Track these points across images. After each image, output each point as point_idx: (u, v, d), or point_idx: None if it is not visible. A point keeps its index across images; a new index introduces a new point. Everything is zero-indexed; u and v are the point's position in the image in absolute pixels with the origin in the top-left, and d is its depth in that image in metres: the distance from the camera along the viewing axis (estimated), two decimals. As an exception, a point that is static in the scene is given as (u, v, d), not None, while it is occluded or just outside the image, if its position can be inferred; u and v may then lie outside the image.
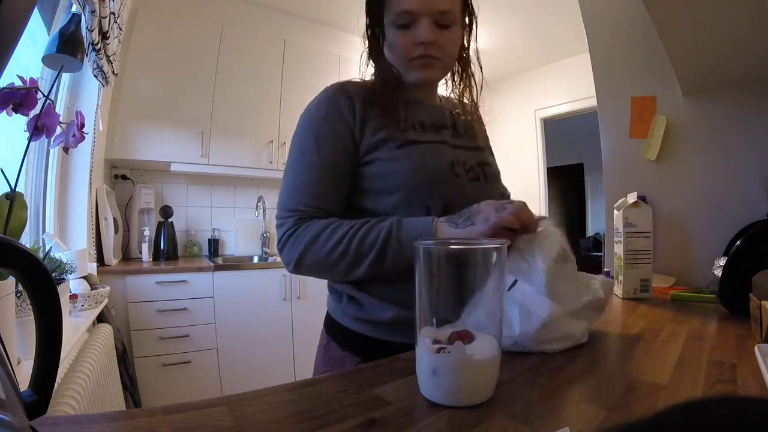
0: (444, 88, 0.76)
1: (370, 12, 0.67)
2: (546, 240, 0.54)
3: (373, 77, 0.70)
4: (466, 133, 0.72)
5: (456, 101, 0.75)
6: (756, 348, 0.48)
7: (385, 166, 0.62)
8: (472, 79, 0.73)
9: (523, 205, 0.55)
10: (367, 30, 0.69)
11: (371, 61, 0.70)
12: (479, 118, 0.79)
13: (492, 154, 0.78)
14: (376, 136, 0.62)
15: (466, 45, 0.71)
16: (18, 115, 0.66)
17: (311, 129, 0.63)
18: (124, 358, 1.63)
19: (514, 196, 0.72)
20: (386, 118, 0.63)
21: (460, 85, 0.74)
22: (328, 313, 0.72)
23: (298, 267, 0.61)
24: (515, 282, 0.53)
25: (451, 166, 0.64)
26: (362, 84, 0.67)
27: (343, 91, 0.65)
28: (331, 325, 0.70)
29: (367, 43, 0.70)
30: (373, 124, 0.63)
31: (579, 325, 0.54)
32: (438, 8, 0.61)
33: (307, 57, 2.68)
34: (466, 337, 0.38)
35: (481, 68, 0.73)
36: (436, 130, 0.67)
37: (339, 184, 0.63)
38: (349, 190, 0.65)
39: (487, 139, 0.79)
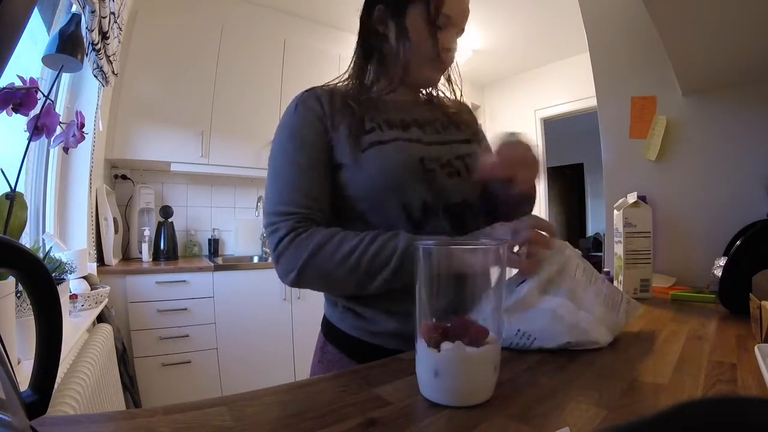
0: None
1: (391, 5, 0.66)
2: (566, 258, 0.54)
3: (349, 73, 0.71)
4: (446, 127, 0.70)
5: (439, 97, 0.76)
6: (756, 348, 0.48)
7: (351, 173, 0.61)
8: (453, 76, 0.75)
9: (535, 222, 0.55)
10: (382, 12, 0.67)
11: (363, 46, 0.71)
12: (467, 110, 0.79)
13: (486, 145, 0.75)
14: (341, 138, 0.62)
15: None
16: (18, 115, 0.66)
17: (292, 132, 0.63)
18: (124, 358, 1.63)
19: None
20: (352, 121, 0.63)
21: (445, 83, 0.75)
22: (325, 315, 0.71)
23: (299, 279, 0.57)
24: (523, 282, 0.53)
25: (421, 162, 0.62)
26: (329, 88, 0.68)
27: (312, 93, 0.66)
28: (328, 327, 0.69)
29: (378, 26, 0.68)
30: (338, 126, 0.63)
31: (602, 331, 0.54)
32: (464, 24, 0.66)
33: (307, 57, 2.68)
34: (471, 325, 0.38)
35: (459, 74, 0.75)
36: (405, 128, 0.65)
37: (323, 183, 0.62)
38: (331, 190, 0.63)
39: (477, 131, 0.76)
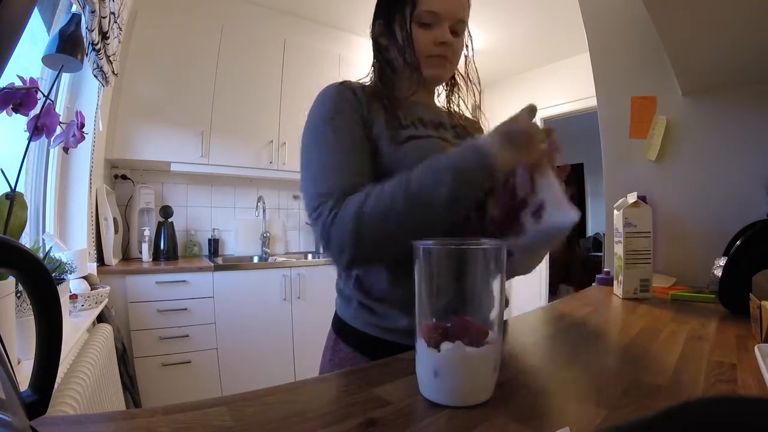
0: (439, 98, 0.79)
1: (389, 8, 0.68)
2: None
3: (372, 79, 0.72)
4: (466, 134, 0.74)
5: (454, 109, 0.79)
6: (756, 348, 0.48)
7: (389, 161, 0.62)
8: (469, 87, 0.77)
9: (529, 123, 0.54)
10: (381, 26, 0.70)
11: (377, 58, 0.73)
12: (478, 124, 0.83)
13: None
14: (377, 130, 0.63)
15: (465, 57, 0.75)
16: (18, 115, 0.66)
17: (324, 121, 0.61)
18: (124, 358, 1.63)
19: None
20: (388, 114, 0.64)
21: (458, 93, 0.78)
22: (336, 313, 0.71)
23: (355, 254, 0.53)
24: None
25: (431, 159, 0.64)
26: (360, 84, 0.69)
27: (346, 86, 0.66)
28: (339, 325, 0.69)
29: (380, 39, 0.71)
30: (376, 118, 0.64)
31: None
32: (457, 16, 0.65)
33: (307, 57, 2.68)
34: (471, 326, 0.38)
35: (479, 82, 0.77)
36: (435, 128, 0.70)
37: (367, 166, 0.60)
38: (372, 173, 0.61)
39: None
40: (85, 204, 1.70)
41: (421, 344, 0.39)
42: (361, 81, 0.71)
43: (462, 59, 0.73)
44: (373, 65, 0.74)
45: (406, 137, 0.63)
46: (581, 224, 5.45)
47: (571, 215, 0.49)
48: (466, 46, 0.72)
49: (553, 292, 3.87)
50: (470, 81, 0.77)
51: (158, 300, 1.91)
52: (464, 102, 0.78)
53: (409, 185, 0.51)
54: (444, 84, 0.76)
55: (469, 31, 0.71)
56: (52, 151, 1.56)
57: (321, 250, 0.57)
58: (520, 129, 0.52)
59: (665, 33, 0.93)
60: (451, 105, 0.78)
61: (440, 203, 0.50)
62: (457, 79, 0.77)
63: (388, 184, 0.53)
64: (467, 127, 0.77)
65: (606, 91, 1.39)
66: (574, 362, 0.50)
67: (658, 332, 0.64)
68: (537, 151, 0.53)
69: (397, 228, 0.51)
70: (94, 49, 1.36)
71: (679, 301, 0.90)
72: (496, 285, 0.39)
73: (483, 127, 0.84)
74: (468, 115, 0.81)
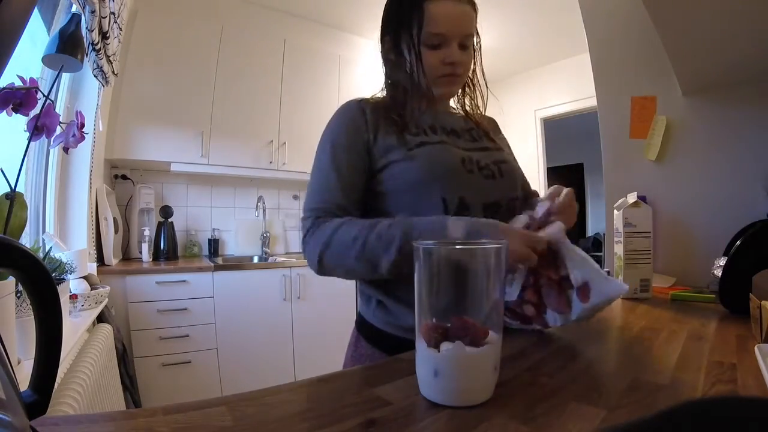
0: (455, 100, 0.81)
1: (396, 26, 0.70)
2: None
3: (385, 91, 0.75)
4: (480, 137, 0.76)
5: (466, 112, 0.81)
6: (756, 348, 0.48)
7: (399, 167, 0.65)
8: (478, 92, 0.80)
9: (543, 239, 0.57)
10: (389, 44, 0.72)
11: (387, 74, 0.76)
12: (494, 124, 0.85)
13: (512, 155, 0.81)
14: (387, 141, 0.67)
15: (475, 62, 0.76)
16: (18, 115, 0.66)
17: (330, 138, 0.68)
18: (124, 358, 1.63)
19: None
20: (398, 125, 0.68)
21: (469, 98, 0.80)
22: (358, 312, 0.74)
23: (321, 267, 0.63)
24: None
25: (462, 162, 0.67)
26: (374, 99, 0.73)
27: (357, 103, 0.70)
28: (361, 323, 0.72)
29: (389, 56, 0.74)
30: (384, 131, 0.67)
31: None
32: (464, 32, 0.67)
33: (307, 57, 2.68)
34: (471, 326, 0.38)
35: (486, 84, 0.79)
36: (446, 134, 0.71)
37: (356, 184, 0.67)
38: (364, 193, 0.68)
39: (506, 144, 0.83)
40: (85, 204, 1.70)
41: (421, 344, 0.39)
42: (377, 95, 0.75)
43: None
44: (385, 82, 0.76)
45: (416, 143, 0.66)
46: (581, 224, 5.46)
47: (622, 286, 0.53)
48: (474, 50, 0.73)
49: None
50: (477, 84, 0.79)
51: (158, 300, 1.91)
52: (477, 101, 0.80)
53: (366, 241, 0.58)
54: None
55: (477, 32, 0.72)
56: (52, 151, 1.56)
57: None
58: (518, 250, 0.55)
59: (665, 33, 0.93)
60: (465, 106, 0.80)
61: (382, 266, 0.58)
62: (468, 82, 0.79)
63: (357, 226, 0.60)
64: (482, 124, 0.79)
65: (606, 91, 1.39)
66: (574, 362, 0.50)
67: (658, 332, 0.64)
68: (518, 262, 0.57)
69: (350, 267, 0.60)
70: (94, 49, 1.36)
71: (679, 301, 0.90)
72: (496, 285, 0.39)
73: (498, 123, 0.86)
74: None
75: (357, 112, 0.69)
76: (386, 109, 0.70)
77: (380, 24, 0.74)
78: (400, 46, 0.69)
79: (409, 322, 0.63)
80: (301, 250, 0.64)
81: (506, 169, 0.73)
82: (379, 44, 0.75)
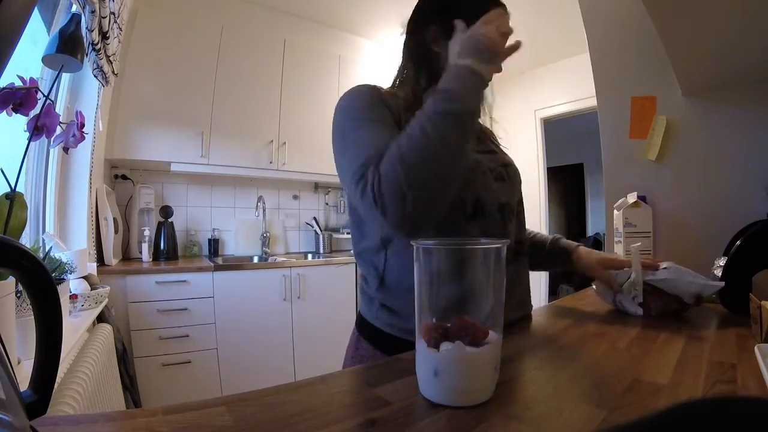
0: None
1: (448, 14, 0.67)
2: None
3: (398, 88, 0.72)
4: (484, 140, 0.77)
5: None
6: (756, 348, 0.48)
7: None
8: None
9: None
10: (436, 33, 0.68)
11: (415, 65, 0.72)
12: (488, 129, 0.85)
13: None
14: None
15: None
16: (18, 115, 0.66)
17: (364, 103, 0.62)
18: (124, 358, 1.63)
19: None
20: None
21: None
22: (359, 313, 0.74)
23: (416, 190, 0.50)
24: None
25: (477, 164, 0.67)
26: (388, 91, 0.69)
27: (371, 88, 0.66)
28: (362, 324, 0.71)
29: (431, 48, 0.69)
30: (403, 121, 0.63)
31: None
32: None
33: (307, 57, 2.68)
34: (471, 326, 0.38)
35: (492, 91, 0.77)
36: None
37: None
38: None
39: (500, 145, 0.84)
40: (85, 204, 1.70)
41: (421, 344, 0.39)
42: (386, 87, 0.71)
43: None
44: (406, 65, 0.73)
45: None
46: (581, 224, 5.46)
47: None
48: None
49: (554, 293, 3.87)
50: None
51: (158, 300, 1.91)
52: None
53: (427, 112, 0.53)
54: None
55: None
56: (52, 151, 1.56)
57: (371, 217, 0.55)
58: (479, 39, 0.58)
59: (665, 33, 0.93)
60: None
61: (461, 112, 0.53)
62: None
63: (408, 125, 0.55)
64: (485, 128, 0.80)
65: (606, 91, 1.39)
66: (574, 362, 0.50)
67: (658, 332, 0.64)
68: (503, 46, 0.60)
69: (438, 150, 0.52)
70: (94, 49, 1.36)
71: (679, 301, 0.90)
72: (496, 285, 0.39)
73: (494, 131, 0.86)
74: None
75: (375, 95, 0.64)
76: (408, 107, 0.64)
77: (416, 11, 0.71)
78: (448, 39, 0.65)
79: (411, 324, 0.62)
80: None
81: (512, 171, 0.74)
82: (411, 34, 0.71)
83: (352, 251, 0.76)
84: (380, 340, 0.67)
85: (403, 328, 0.64)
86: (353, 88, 0.67)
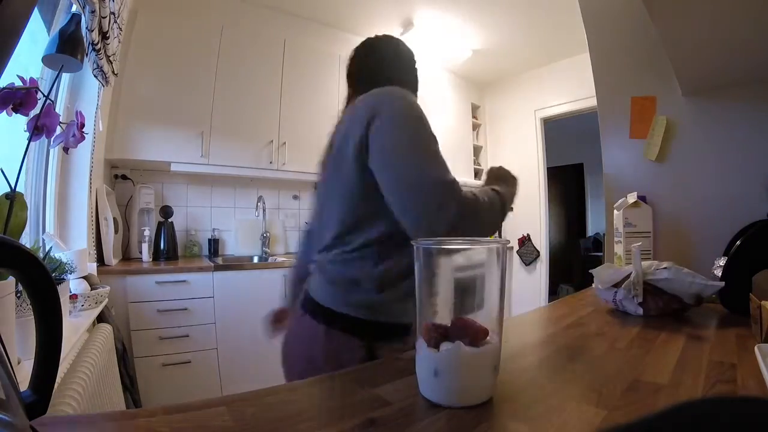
0: None
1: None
2: None
3: None
4: None
5: None
6: (756, 348, 0.48)
7: None
8: None
9: None
10: None
11: None
12: None
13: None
14: None
15: None
16: (18, 115, 0.66)
17: (423, 117, 0.69)
18: (124, 358, 1.63)
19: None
20: None
21: None
22: (320, 305, 0.73)
23: (465, 220, 0.63)
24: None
25: None
26: None
27: None
28: (327, 315, 0.71)
29: None
30: None
31: None
32: None
33: (307, 57, 2.68)
34: (471, 326, 0.38)
35: None
36: None
37: None
38: None
39: None
40: (85, 204, 1.70)
41: (421, 344, 0.39)
42: None
43: None
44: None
45: None
46: (581, 224, 5.46)
47: None
48: None
49: (553, 292, 3.87)
50: None
51: (158, 300, 1.91)
52: None
53: (495, 199, 0.70)
54: None
55: None
56: (52, 151, 1.56)
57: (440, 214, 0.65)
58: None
59: (665, 33, 0.93)
60: None
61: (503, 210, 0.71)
62: None
63: (483, 193, 0.70)
64: None
65: (606, 91, 1.39)
66: (574, 362, 0.50)
67: (658, 332, 0.64)
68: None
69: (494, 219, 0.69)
70: (94, 49, 1.36)
71: (679, 301, 0.90)
72: (496, 285, 0.39)
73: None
74: None
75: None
76: None
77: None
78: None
79: (402, 319, 0.68)
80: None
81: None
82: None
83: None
84: (354, 326, 0.69)
85: (372, 307, 0.68)
86: (413, 97, 0.72)
